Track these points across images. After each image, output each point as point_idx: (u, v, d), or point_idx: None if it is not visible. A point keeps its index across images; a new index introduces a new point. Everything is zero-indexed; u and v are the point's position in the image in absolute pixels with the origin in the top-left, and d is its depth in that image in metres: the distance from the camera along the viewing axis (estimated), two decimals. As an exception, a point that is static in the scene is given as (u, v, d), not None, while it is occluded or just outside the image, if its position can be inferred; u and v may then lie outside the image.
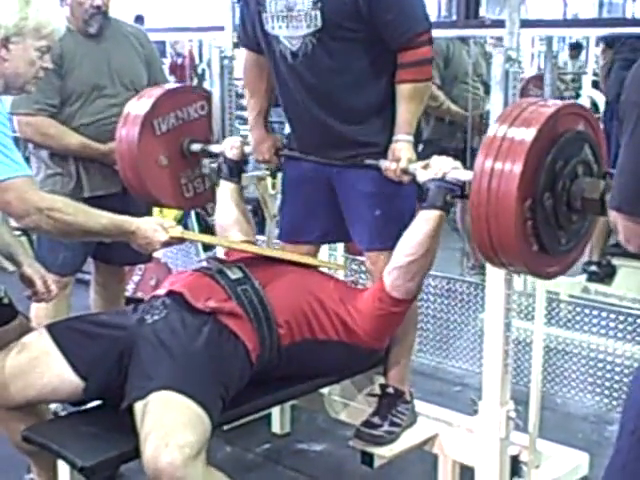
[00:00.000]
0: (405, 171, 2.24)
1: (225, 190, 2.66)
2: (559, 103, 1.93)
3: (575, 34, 5.62)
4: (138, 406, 1.93)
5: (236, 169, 2.66)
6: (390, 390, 2.50)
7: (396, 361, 2.50)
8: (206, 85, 6.53)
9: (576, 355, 3.40)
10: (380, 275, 2.29)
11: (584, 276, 4.20)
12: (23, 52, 2.07)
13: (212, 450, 1.92)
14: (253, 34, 2.44)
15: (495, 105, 2.16)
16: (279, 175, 2.93)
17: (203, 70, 7.02)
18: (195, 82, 7.25)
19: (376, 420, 2.46)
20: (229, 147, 2.64)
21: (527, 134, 1.81)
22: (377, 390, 2.53)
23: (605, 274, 4.25)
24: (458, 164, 2.17)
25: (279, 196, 3.08)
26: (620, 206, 1.41)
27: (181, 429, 1.84)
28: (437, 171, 2.15)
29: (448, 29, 3.93)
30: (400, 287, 2.25)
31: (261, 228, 3.18)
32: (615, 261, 4.16)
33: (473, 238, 1.95)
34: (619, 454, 1.56)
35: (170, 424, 1.84)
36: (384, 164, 2.29)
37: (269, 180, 3.31)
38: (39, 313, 2.77)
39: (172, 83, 2.83)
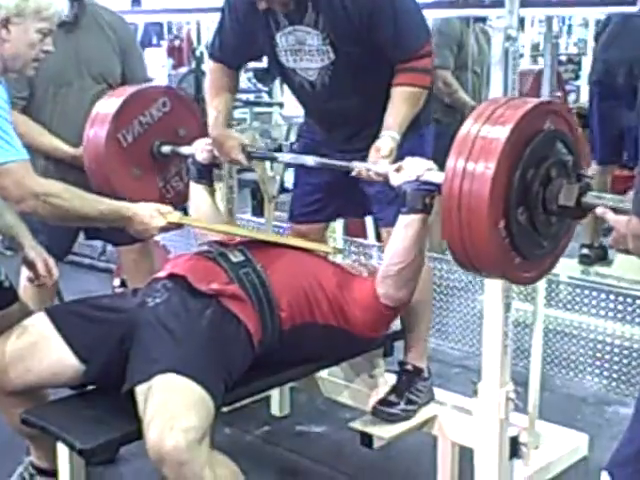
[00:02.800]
0: (378, 173, 2.15)
1: (196, 192, 2.58)
2: (527, 105, 1.77)
3: (575, 13, 5.58)
4: (141, 389, 1.92)
5: (206, 171, 2.56)
6: (409, 367, 2.50)
7: (415, 338, 2.50)
8: (204, 68, 6.49)
9: (576, 337, 3.40)
10: None
11: (575, 259, 4.19)
12: (23, 33, 2.05)
13: (211, 432, 1.91)
14: (236, 52, 2.46)
15: (495, 84, 2.14)
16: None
17: (201, 53, 6.97)
18: (193, 65, 7.22)
19: (393, 398, 2.46)
20: (199, 150, 2.53)
21: (493, 151, 1.69)
22: (396, 367, 2.53)
23: (597, 257, 4.24)
24: (432, 164, 2.07)
25: (278, 178, 3.08)
26: None
27: (185, 413, 1.83)
28: (410, 173, 2.06)
29: (447, 9, 3.89)
30: (392, 296, 2.22)
31: (260, 210, 3.18)
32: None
33: (448, 248, 1.84)
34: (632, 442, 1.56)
35: (175, 408, 1.84)
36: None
37: (267, 162, 3.29)
38: (25, 296, 2.74)
39: (129, 87, 2.74)
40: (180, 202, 2.63)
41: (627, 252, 1.66)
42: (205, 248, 2.35)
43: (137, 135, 2.58)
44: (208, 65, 2.57)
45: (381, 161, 2.16)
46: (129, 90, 2.65)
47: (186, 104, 2.76)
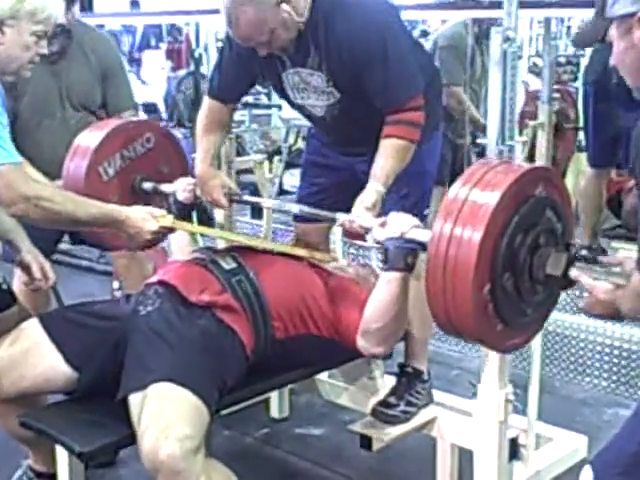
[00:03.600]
0: (362, 226, 2.13)
1: (176, 240, 2.50)
2: (518, 171, 1.73)
3: (574, 15, 5.57)
4: (135, 397, 1.91)
5: (186, 211, 2.48)
6: (409, 369, 2.49)
7: (415, 340, 2.49)
8: (203, 70, 6.50)
9: (575, 338, 3.40)
10: None
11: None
12: (18, 36, 2.04)
13: (210, 435, 1.91)
14: (235, 85, 2.46)
15: (493, 85, 2.14)
16: (275, 159, 2.93)
17: (200, 55, 6.98)
18: (192, 67, 7.22)
19: (392, 400, 2.45)
20: (181, 189, 2.46)
21: (481, 217, 1.65)
22: (396, 369, 2.52)
23: (596, 258, 4.23)
24: (416, 221, 2.03)
25: (276, 180, 3.08)
26: None
27: (181, 422, 1.83)
28: (395, 230, 2.01)
29: (446, 10, 3.90)
30: (369, 350, 2.22)
31: (259, 213, 3.17)
32: (614, 244, 4.15)
33: (430, 311, 1.78)
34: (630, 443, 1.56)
35: (170, 416, 1.83)
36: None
37: (266, 164, 3.30)
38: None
39: (113, 120, 2.71)
40: (160, 239, 2.58)
41: (601, 317, 1.66)
42: (197, 255, 2.33)
43: (119, 169, 2.49)
44: (204, 101, 2.52)
45: (364, 214, 2.14)
46: (113, 123, 2.59)
47: (171, 141, 2.68)
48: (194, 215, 2.52)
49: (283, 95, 2.44)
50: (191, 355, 2.00)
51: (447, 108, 4.36)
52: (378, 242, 2.08)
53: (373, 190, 2.17)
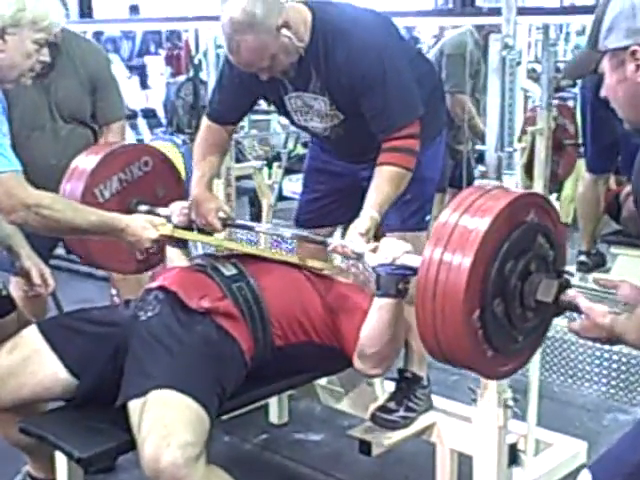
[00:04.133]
0: (354, 251, 2.12)
1: (172, 255, 2.47)
2: (509, 196, 1.71)
3: (572, 21, 5.59)
4: (135, 404, 1.91)
5: None
6: (408, 375, 2.50)
7: (415, 347, 2.48)
8: (203, 76, 6.51)
9: (574, 344, 3.40)
10: None
11: (574, 266, 4.19)
12: (20, 44, 2.04)
13: (209, 440, 1.91)
14: (236, 106, 2.46)
15: (492, 92, 2.15)
16: (274, 165, 2.94)
17: (200, 61, 6.99)
18: (191, 73, 7.23)
19: (392, 405, 2.45)
20: (176, 213, 2.42)
21: (471, 242, 1.62)
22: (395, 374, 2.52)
23: (595, 264, 4.23)
24: (409, 247, 2.01)
25: (276, 186, 3.08)
26: None
27: (182, 429, 1.82)
28: (387, 255, 2.00)
29: (445, 17, 3.92)
30: (365, 371, 2.22)
31: (258, 218, 3.18)
32: (613, 249, 4.15)
33: (420, 336, 1.76)
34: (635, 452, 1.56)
35: (171, 424, 1.83)
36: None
37: (265, 170, 3.30)
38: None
39: (111, 144, 2.72)
40: (155, 264, 2.55)
41: (593, 341, 1.66)
42: (198, 261, 2.33)
43: (115, 192, 2.47)
44: (203, 122, 2.51)
45: (357, 239, 2.13)
46: (110, 147, 2.59)
47: (168, 165, 2.67)
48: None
49: (286, 116, 2.45)
50: (191, 362, 2.00)
51: (450, 115, 4.38)
52: (371, 268, 2.06)
53: (367, 216, 2.17)
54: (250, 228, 2.47)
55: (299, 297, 2.24)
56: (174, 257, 2.44)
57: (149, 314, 2.10)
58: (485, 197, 1.69)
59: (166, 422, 1.83)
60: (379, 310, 2.08)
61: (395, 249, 2.00)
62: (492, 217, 1.64)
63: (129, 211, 2.50)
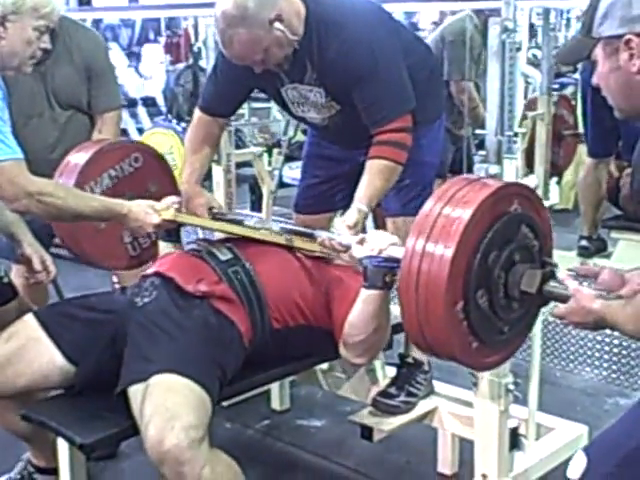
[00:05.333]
0: (341, 243, 2.13)
1: (165, 250, 2.51)
2: (491, 186, 1.69)
3: (573, 5, 5.57)
4: (136, 389, 1.91)
5: (174, 230, 2.46)
6: (409, 360, 2.50)
7: None
8: (202, 63, 6.50)
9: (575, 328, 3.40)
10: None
11: (574, 252, 4.18)
12: (21, 31, 2.04)
13: (211, 427, 1.91)
14: (230, 98, 2.45)
15: (492, 76, 2.14)
16: (275, 152, 2.93)
17: (199, 48, 6.97)
18: (191, 60, 7.21)
19: (393, 390, 2.46)
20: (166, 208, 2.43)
21: (453, 233, 1.61)
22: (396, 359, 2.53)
23: (596, 249, 4.23)
24: (395, 239, 2.01)
25: (276, 173, 3.08)
26: None
27: (186, 412, 1.83)
28: (373, 247, 2.01)
29: (445, 2, 3.90)
30: (350, 360, 2.23)
31: (259, 205, 3.18)
32: (614, 234, 4.14)
33: (405, 329, 1.79)
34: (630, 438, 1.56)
35: (174, 407, 1.83)
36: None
37: (265, 157, 3.30)
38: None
39: (101, 141, 2.71)
40: (144, 260, 2.54)
41: (576, 326, 1.64)
42: (193, 246, 2.33)
43: (105, 188, 2.46)
44: (196, 114, 2.51)
45: (345, 232, 2.14)
46: (100, 144, 2.58)
47: (159, 161, 2.66)
48: (181, 232, 2.52)
49: (284, 108, 2.45)
50: (191, 345, 2.00)
51: (452, 100, 4.36)
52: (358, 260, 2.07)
53: (355, 209, 2.18)
54: (239, 222, 2.48)
55: (295, 280, 2.24)
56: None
57: (145, 300, 2.10)
58: (468, 188, 1.68)
59: (169, 405, 1.83)
60: (364, 301, 2.09)
61: (381, 241, 2.01)
62: (474, 208, 1.62)
63: None
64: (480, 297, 1.65)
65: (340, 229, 2.16)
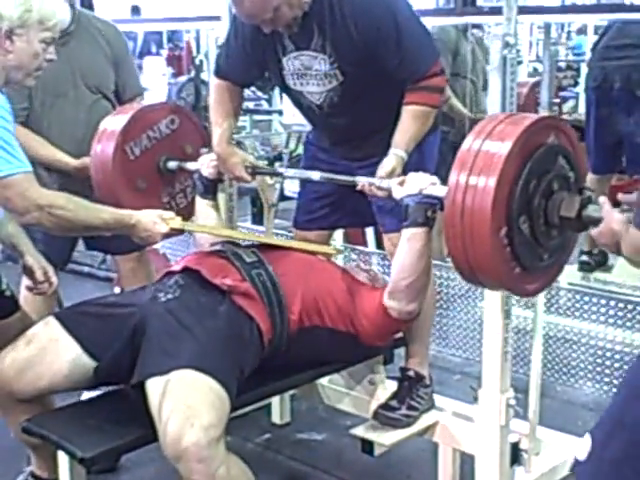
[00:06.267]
0: (380, 187, 2.18)
1: (202, 207, 2.59)
2: (528, 120, 1.81)
3: (573, 20, 5.59)
4: (154, 382, 1.91)
5: (212, 187, 2.57)
6: (411, 373, 2.50)
7: (417, 345, 2.50)
8: (204, 76, 6.51)
9: (576, 343, 3.40)
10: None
11: (575, 266, 4.18)
12: (27, 44, 2.06)
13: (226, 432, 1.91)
14: (243, 72, 2.47)
15: (493, 91, 2.15)
16: (276, 165, 2.93)
17: (201, 61, 6.99)
18: (193, 73, 7.23)
19: (394, 403, 2.46)
20: (205, 165, 2.54)
21: (495, 165, 1.73)
22: (398, 373, 2.53)
23: (597, 263, 4.23)
24: (435, 179, 2.09)
25: (278, 186, 3.08)
26: None
27: (206, 410, 1.84)
28: (413, 187, 2.08)
29: (446, 16, 3.92)
30: (402, 309, 2.22)
31: (260, 218, 3.18)
32: (615, 248, 4.13)
33: (451, 257, 1.89)
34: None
35: (195, 404, 1.84)
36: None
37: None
38: (25, 306, 2.73)
39: (137, 103, 2.82)
40: (184, 218, 2.61)
41: (604, 247, 1.66)
42: (218, 247, 2.37)
43: (144, 149, 2.58)
44: (212, 82, 2.55)
45: (384, 176, 2.18)
46: (137, 107, 2.68)
47: (194, 122, 2.76)
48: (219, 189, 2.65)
49: (281, 82, 2.43)
50: (214, 343, 2.00)
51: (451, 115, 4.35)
52: (398, 200, 2.13)
53: (393, 155, 2.22)
54: (278, 174, 2.62)
55: (316, 284, 2.27)
56: (203, 242, 2.52)
57: (169, 296, 2.12)
58: (505, 122, 1.80)
59: (189, 403, 1.84)
60: (408, 241, 2.13)
61: (422, 181, 2.09)
62: (513, 140, 1.74)
63: (158, 167, 2.63)
64: (522, 223, 1.78)
65: (379, 174, 2.20)
